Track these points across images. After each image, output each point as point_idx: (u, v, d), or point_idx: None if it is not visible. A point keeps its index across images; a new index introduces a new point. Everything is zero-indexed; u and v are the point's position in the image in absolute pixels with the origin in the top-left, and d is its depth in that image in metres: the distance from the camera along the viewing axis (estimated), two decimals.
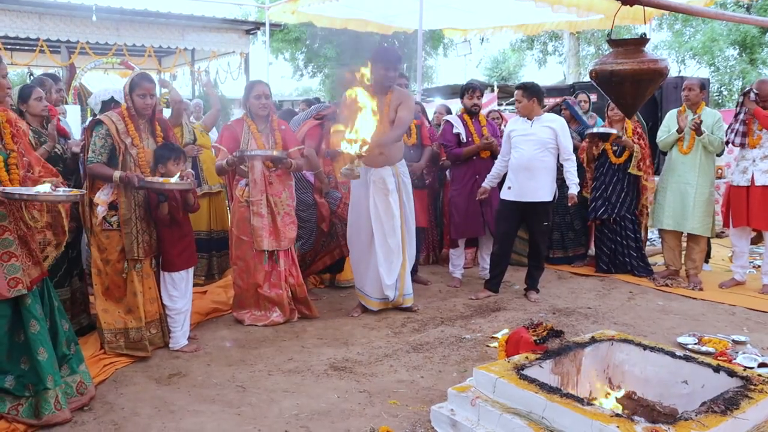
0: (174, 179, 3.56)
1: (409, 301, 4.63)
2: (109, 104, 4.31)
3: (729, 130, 5.17)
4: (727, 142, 5.23)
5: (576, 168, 4.97)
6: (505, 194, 4.95)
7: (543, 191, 4.83)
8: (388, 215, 4.40)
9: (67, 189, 2.99)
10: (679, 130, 5.25)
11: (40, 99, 3.79)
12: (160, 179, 3.54)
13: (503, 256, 5.08)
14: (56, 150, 3.84)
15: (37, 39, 9.14)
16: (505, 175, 5.07)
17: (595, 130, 5.59)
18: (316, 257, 5.14)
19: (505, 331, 4.02)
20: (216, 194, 5.47)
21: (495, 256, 5.12)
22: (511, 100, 14.97)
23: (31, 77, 4.81)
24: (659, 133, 5.54)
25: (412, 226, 4.65)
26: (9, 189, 2.67)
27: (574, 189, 4.91)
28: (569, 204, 5.04)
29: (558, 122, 4.92)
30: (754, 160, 5.00)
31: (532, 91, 4.89)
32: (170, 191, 3.60)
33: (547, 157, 4.84)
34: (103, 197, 3.53)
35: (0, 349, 2.77)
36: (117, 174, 3.50)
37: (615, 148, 5.59)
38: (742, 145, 5.06)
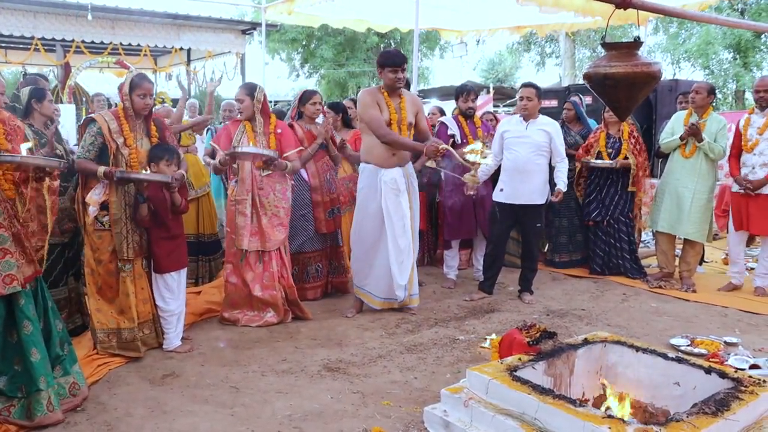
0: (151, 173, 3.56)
1: (415, 302, 4.64)
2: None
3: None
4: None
5: (567, 169, 4.98)
6: (498, 196, 4.95)
7: (536, 194, 4.84)
8: (399, 215, 4.40)
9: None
10: (682, 137, 5.23)
11: (51, 100, 3.82)
12: (136, 172, 3.53)
13: (496, 257, 5.08)
14: (57, 151, 3.84)
15: (32, 37, 9.10)
16: (498, 177, 5.06)
17: (595, 162, 5.57)
18: (313, 260, 5.03)
19: (493, 336, 3.85)
20: (203, 197, 5.35)
21: (488, 258, 5.11)
22: (508, 101, 15.02)
23: (25, 76, 4.76)
24: (663, 135, 5.52)
25: (417, 227, 4.66)
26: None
27: (562, 186, 4.86)
28: (555, 198, 4.90)
29: (552, 125, 4.91)
30: (753, 167, 4.97)
31: (540, 92, 4.89)
32: (156, 193, 3.60)
33: (541, 160, 4.85)
34: (94, 197, 3.52)
35: None
36: (101, 169, 3.51)
37: (610, 150, 5.59)
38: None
